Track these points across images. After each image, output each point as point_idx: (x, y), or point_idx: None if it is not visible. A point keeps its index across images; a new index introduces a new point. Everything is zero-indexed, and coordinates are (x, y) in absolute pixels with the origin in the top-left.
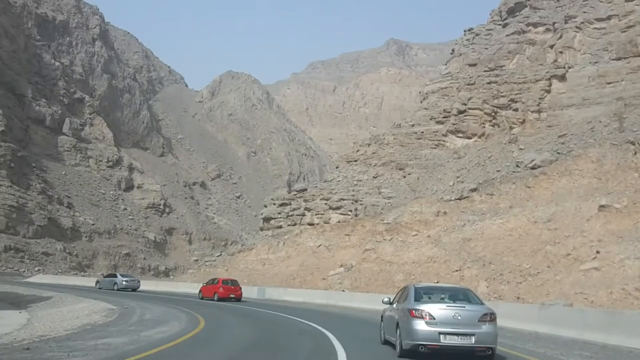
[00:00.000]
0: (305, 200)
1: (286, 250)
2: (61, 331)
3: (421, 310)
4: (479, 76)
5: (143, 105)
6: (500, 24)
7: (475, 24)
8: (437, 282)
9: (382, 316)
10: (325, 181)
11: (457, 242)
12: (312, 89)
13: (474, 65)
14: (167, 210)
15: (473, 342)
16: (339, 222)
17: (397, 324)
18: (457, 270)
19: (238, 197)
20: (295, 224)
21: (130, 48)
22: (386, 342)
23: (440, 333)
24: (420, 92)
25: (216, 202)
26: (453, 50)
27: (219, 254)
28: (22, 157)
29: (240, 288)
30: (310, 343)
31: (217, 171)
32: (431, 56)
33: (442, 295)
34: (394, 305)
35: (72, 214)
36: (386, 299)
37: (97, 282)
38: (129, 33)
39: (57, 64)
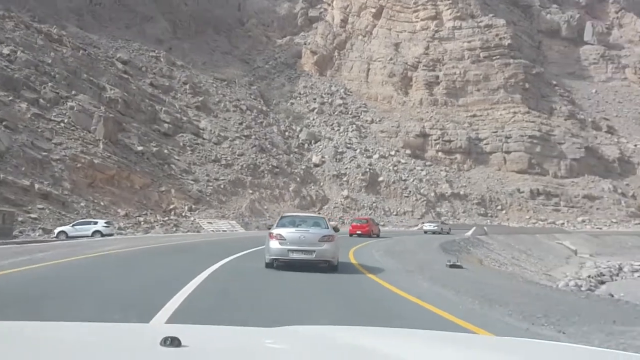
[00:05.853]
0: None
1: None
2: None
3: (276, 233)
4: None
5: None
6: None
7: None
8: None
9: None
10: None
11: None
12: None
13: None
14: None
15: (313, 257)
16: None
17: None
18: None
19: None
20: None
21: None
22: None
23: (289, 250)
24: None
25: None
26: None
27: None
28: (538, 75)
29: (369, 226)
30: None
31: None
32: None
33: (298, 222)
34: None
35: (615, 140)
36: (269, 225)
37: None
38: None
39: None
